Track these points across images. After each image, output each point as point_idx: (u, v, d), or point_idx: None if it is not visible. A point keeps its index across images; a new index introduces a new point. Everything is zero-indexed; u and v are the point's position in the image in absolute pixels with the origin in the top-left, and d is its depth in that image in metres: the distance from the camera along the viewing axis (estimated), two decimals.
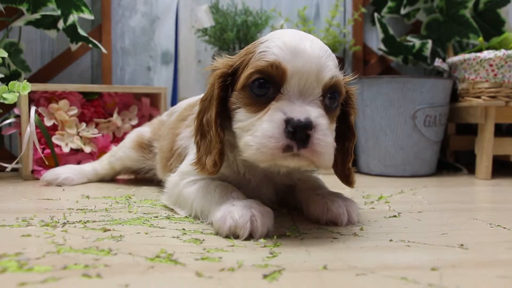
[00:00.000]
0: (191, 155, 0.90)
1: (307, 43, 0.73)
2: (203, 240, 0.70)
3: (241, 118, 0.74)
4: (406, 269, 0.58)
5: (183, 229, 0.77)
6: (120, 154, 1.29)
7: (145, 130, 1.28)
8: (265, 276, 0.54)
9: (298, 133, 0.67)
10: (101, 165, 1.33)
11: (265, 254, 0.63)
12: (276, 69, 0.71)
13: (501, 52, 1.48)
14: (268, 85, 0.72)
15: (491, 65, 1.50)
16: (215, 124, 0.77)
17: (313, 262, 0.60)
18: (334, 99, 0.76)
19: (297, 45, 0.72)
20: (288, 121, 0.68)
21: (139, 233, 0.74)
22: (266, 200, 0.87)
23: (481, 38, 1.65)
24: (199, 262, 0.59)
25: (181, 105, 1.19)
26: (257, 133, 0.70)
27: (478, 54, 1.52)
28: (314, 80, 0.71)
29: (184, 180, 0.87)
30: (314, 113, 0.69)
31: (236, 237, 0.70)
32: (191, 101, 1.14)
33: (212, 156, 0.78)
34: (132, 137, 1.29)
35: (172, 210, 0.91)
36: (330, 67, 0.73)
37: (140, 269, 0.56)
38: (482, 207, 1.07)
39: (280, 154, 0.68)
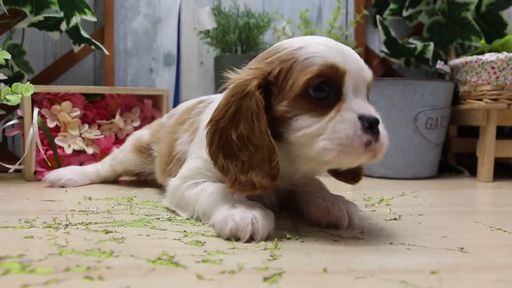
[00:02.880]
0: (190, 159, 0.89)
1: (345, 47, 0.77)
2: (204, 242, 0.71)
3: (305, 124, 0.72)
4: (405, 272, 0.58)
5: (185, 231, 0.77)
6: (121, 157, 1.29)
7: (144, 133, 1.28)
8: (265, 279, 0.55)
9: (374, 128, 0.71)
10: (103, 167, 1.34)
11: (266, 257, 0.63)
12: (336, 71, 0.72)
13: (503, 55, 1.48)
14: (328, 87, 0.73)
15: (493, 68, 1.50)
16: (268, 135, 0.73)
17: (313, 265, 0.60)
18: (368, 96, 0.80)
19: (341, 48, 0.75)
20: (361, 118, 0.71)
21: (140, 235, 0.75)
22: (267, 203, 0.87)
23: (483, 41, 1.65)
24: (200, 265, 0.60)
25: (180, 108, 1.19)
26: (336, 134, 0.70)
27: (480, 56, 1.52)
28: (362, 79, 0.76)
29: (186, 183, 0.87)
30: (372, 109, 0.74)
31: (237, 239, 0.71)
32: (189, 104, 1.13)
33: (269, 169, 0.73)
34: (131, 140, 1.29)
35: (174, 212, 0.91)
36: (367, 68, 0.78)
37: (142, 272, 0.57)
38: (483, 210, 1.07)
39: (363, 150, 0.70)
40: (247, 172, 0.74)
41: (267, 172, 0.73)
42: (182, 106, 1.19)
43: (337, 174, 0.88)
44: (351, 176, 0.88)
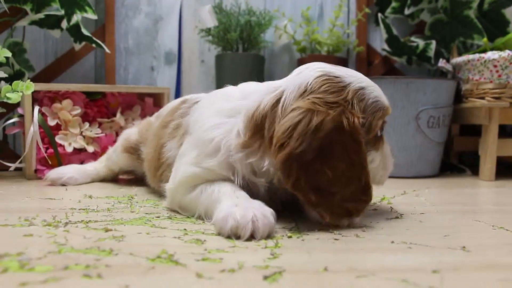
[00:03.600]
0: (184, 165, 0.87)
1: None
2: (205, 240, 0.70)
3: (373, 157, 0.86)
4: (407, 271, 0.58)
5: (185, 229, 0.77)
6: (114, 158, 1.28)
7: (132, 132, 1.25)
8: (265, 278, 0.54)
9: None
10: (100, 167, 1.33)
11: (266, 255, 0.63)
12: (388, 113, 0.85)
13: (506, 53, 1.47)
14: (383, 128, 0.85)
15: (495, 66, 1.49)
16: (368, 166, 0.80)
17: (314, 264, 0.60)
18: None
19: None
20: None
21: (140, 233, 0.74)
22: (270, 204, 0.87)
23: (485, 39, 1.64)
24: (199, 263, 0.59)
25: (166, 109, 1.16)
26: (389, 165, 0.92)
27: (482, 55, 1.51)
28: None
29: (180, 188, 0.86)
30: None
31: (238, 237, 0.70)
32: (173, 105, 1.11)
33: (367, 197, 0.79)
34: (121, 140, 1.27)
35: (175, 210, 0.91)
36: None
37: (141, 270, 0.56)
38: (485, 209, 1.07)
39: None
40: (341, 203, 0.77)
41: (363, 198, 0.79)
42: (167, 107, 1.17)
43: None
44: None
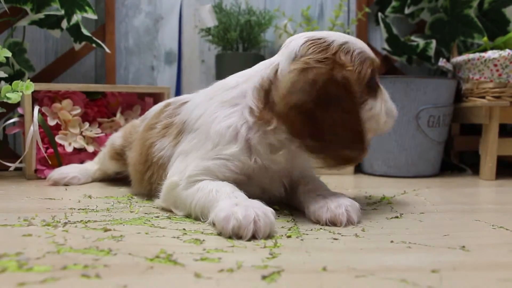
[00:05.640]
0: (196, 161, 0.87)
1: None
2: (203, 240, 0.70)
3: (371, 106, 0.88)
4: (406, 271, 0.58)
5: (184, 229, 0.77)
6: (105, 163, 1.27)
7: (117, 136, 1.24)
8: (264, 277, 0.54)
9: None
10: (95, 169, 1.33)
11: (265, 255, 0.63)
12: (377, 65, 0.89)
13: (506, 52, 1.47)
14: (374, 78, 0.89)
15: (495, 65, 1.49)
16: (360, 115, 0.85)
17: (313, 264, 0.60)
18: None
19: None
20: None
21: (139, 233, 0.74)
22: (276, 192, 0.92)
23: (485, 38, 1.63)
24: (198, 263, 0.59)
25: (150, 112, 1.15)
26: (390, 111, 0.94)
27: (483, 54, 1.51)
28: None
29: (185, 182, 0.85)
30: None
31: (239, 237, 0.70)
32: (157, 108, 1.11)
33: (363, 146, 0.83)
34: (107, 146, 1.26)
35: (171, 210, 0.90)
36: None
37: (139, 270, 0.56)
38: (485, 208, 1.07)
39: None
40: (338, 150, 0.82)
41: (359, 147, 0.83)
42: (152, 110, 1.16)
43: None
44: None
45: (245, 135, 0.85)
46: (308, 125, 0.80)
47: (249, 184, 0.86)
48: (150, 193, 1.00)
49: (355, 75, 0.84)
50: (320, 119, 0.79)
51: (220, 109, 0.88)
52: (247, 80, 0.89)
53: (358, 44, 0.87)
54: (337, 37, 0.86)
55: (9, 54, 1.30)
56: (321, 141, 0.81)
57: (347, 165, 0.86)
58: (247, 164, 0.86)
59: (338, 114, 0.80)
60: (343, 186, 1.34)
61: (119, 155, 1.21)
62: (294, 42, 0.87)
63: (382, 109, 0.90)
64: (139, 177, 1.04)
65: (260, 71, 0.88)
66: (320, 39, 0.85)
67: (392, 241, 0.71)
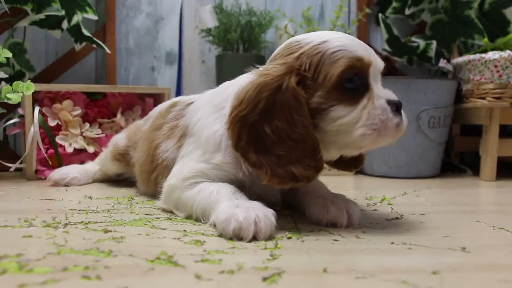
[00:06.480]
0: (191, 162, 0.87)
1: (359, 40, 0.82)
2: (204, 241, 0.70)
3: (341, 113, 0.76)
4: (406, 272, 0.58)
5: (184, 230, 0.77)
6: (107, 164, 1.27)
7: (120, 137, 1.23)
8: (264, 279, 0.54)
9: (399, 110, 0.79)
10: (96, 170, 1.33)
11: (266, 257, 0.63)
12: (363, 63, 0.77)
13: (506, 53, 1.47)
14: (357, 78, 0.77)
15: (496, 66, 1.49)
16: (312, 129, 0.76)
17: (313, 265, 0.60)
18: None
19: (360, 42, 0.81)
20: (389, 103, 0.78)
21: (140, 234, 0.74)
22: (273, 199, 0.88)
23: (486, 39, 1.63)
24: (199, 264, 0.59)
25: (155, 111, 1.15)
26: (372, 120, 0.76)
27: (483, 55, 1.51)
28: (378, 68, 0.81)
29: (185, 183, 0.85)
30: (392, 93, 0.81)
31: (240, 239, 0.70)
32: (162, 108, 1.11)
33: (314, 161, 0.75)
34: (110, 147, 1.25)
35: (172, 212, 0.90)
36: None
37: (140, 271, 0.56)
38: (485, 209, 1.07)
39: (395, 130, 0.78)
40: (285, 166, 0.75)
41: (311, 164, 0.75)
42: (156, 110, 1.15)
43: (338, 163, 0.91)
44: (353, 163, 0.91)
45: (226, 143, 0.82)
46: (249, 139, 0.75)
47: (244, 191, 0.83)
48: (155, 193, 1.00)
49: (316, 79, 0.76)
50: (264, 132, 0.75)
51: (212, 114, 0.87)
52: (236, 83, 0.85)
53: (339, 42, 0.77)
54: (319, 37, 0.79)
55: (10, 55, 1.30)
56: (267, 156, 0.75)
57: (297, 183, 0.76)
58: (237, 175, 0.83)
59: (284, 125, 0.75)
60: (343, 187, 1.34)
61: (122, 156, 1.20)
62: (283, 44, 0.84)
63: (362, 118, 0.76)
64: (145, 177, 1.04)
65: (248, 75, 0.83)
66: (298, 41, 0.80)
67: (392, 243, 0.71)
